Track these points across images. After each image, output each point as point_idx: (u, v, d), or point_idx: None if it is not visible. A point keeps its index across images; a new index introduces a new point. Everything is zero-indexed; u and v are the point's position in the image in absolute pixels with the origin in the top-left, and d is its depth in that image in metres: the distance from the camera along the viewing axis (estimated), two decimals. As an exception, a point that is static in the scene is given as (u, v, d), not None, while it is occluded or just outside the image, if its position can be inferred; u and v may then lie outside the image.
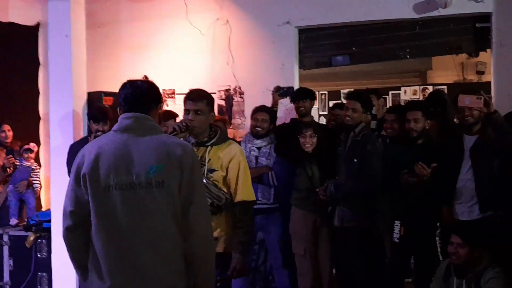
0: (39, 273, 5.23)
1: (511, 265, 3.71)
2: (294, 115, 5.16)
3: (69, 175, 4.45)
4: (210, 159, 3.19)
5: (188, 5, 6.25)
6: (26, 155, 5.68)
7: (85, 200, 2.27)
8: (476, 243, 3.61)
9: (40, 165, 6.03)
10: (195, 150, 2.88)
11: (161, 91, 2.71)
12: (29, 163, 5.72)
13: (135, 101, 2.41)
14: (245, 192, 3.22)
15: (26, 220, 5.52)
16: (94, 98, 5.35)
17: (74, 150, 4.65)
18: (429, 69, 9.20)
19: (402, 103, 7.48)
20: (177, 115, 4.98)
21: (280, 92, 5.00)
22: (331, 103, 8.48)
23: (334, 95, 8.76)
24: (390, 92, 8.49)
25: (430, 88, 8.04)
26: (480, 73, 8.72)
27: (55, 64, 5.07)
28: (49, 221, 5.07)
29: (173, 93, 6.32)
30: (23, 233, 5.32)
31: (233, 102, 6.12)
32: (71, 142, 4.85)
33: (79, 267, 2.37)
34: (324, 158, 4.33)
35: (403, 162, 4.08)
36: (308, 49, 6.15)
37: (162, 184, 2.28)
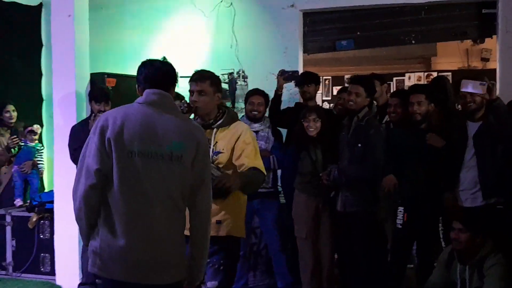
0: (42, 254, 5.25)
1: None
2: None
3: (71, 157, 4.52)
4: (217, 141, 3.14)
5: (191, -13, 6.22)
6: (30, 137, 5.70)
7: (109, 160, 2.37)
8: (477, 229, 3.61)
9: (43, 146, 6.03)
10: None
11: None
12: (33, 144, 5.74)
13: (158, 81, 2.54)
14: (259, 163, 3.09)
15: (29, 201, 5.54)
16: (97, 79, 5.31)
17: (75, 131, 4.66)
18: (434, 55, 9.13)
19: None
20: (182, 97, 4.95)
21: (285, 76, 4.96)
22: (334, 89, 8.46)
23: (337, 80, 8.74)
24: (395, 78, 8.48)
25: (435, 75, 8.01)
26: (485, 60, 8.66)
27: (58, 45, 5.05)
28: (52, 202, 5.07)
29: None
30: (26, 214, 5.34)
31: (236, 86, 6.08)
32: (74, 123, 4.84)
33: (89, 226, 2.44)
34: (327, 143, 4.32)
35: (407, 147, 4.06)
36: (312, 33, 6.11)
37: (181, 159, 2.43)
